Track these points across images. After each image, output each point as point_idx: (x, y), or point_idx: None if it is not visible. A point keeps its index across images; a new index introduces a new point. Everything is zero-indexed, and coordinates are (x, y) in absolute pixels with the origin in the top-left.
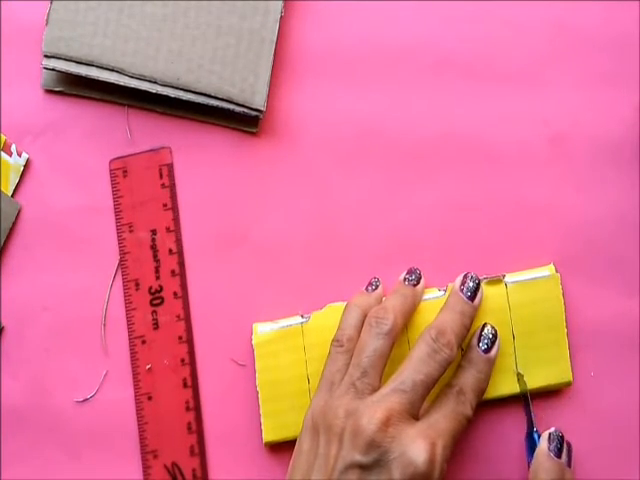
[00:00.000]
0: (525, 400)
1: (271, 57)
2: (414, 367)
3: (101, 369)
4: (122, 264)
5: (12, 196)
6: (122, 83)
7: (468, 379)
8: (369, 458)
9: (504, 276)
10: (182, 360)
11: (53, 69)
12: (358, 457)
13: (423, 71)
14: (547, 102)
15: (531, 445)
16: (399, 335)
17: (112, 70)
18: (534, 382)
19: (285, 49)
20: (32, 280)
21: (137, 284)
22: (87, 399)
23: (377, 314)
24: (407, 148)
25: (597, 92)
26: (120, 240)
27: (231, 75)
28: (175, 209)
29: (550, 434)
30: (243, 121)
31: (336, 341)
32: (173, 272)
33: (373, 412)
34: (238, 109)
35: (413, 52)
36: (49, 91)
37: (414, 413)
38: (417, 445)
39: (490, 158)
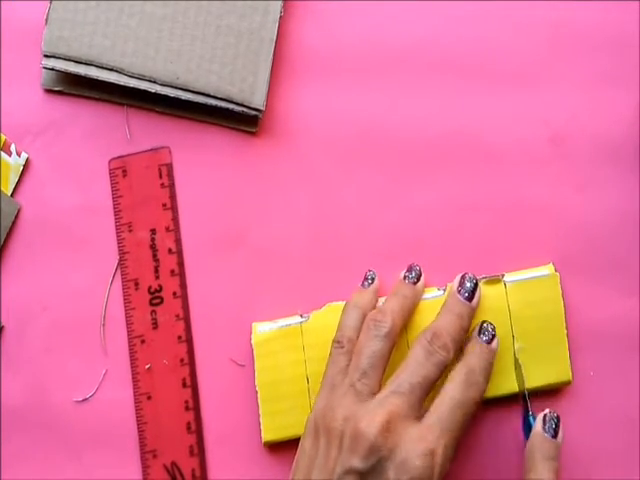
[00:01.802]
0: (520, 384)
1: (270, 57)
2: (411, 370)
3: (100, 368)
4: (121, 264)
5: (12, 196)
6: (122, 83)
7: (474, 361)
8: (367, 464)
9: (503, 275)
10: (181, 360)
11: (52, 69)
12: (356, 463)
13: (422, 71)
14: (547, 102)
15: (528, 429)
16: (398, 336)
17: (112, 70)
18: (534, 381)
19: (285, 49)
20: (32, 280)
21: (136, 284)
22: (86, 399)
23: (375, 317)
24: (407, 148)
25: (597, 92)
26: (119, 240)
27: (230, 75)
28: (174, 209)
29: (545, 415)
30: (242, 121)
31: (336, 342)
32: (172, 272)
33: (373, 416)
34: (237, 109)
35: (413, 52)
36: (49, 91)
37: (413, 415)
38: (416, 451)
39: (490, 158)
